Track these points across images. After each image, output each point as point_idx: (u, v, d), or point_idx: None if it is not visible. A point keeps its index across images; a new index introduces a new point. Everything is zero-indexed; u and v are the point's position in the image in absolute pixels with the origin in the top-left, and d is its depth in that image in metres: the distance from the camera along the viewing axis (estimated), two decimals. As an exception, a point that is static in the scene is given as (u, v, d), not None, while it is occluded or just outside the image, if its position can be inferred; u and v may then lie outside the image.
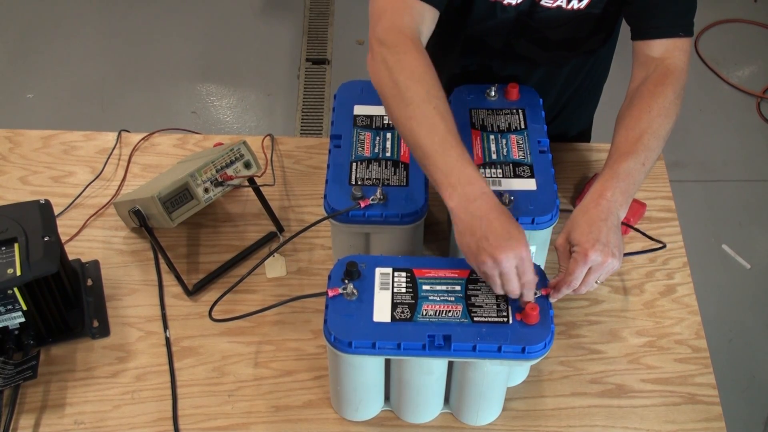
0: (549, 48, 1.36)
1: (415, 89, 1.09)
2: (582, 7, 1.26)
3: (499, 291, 1.05)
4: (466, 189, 1.04)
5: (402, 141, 1.28)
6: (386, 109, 1.13)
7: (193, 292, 1.30)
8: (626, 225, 1.36)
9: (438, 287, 1.06)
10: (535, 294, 1.05)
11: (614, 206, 1.10)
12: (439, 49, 1.44)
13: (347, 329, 1.02)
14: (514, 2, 1.26)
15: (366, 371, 1.08)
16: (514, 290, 1.03)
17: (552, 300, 1.08)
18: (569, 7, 1.26)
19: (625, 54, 1.39)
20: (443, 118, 1.08)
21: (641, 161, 1.14)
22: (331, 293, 1.05)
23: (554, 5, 1.26)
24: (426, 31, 1.19)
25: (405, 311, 1.04)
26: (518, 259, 1.01)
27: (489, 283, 1.05)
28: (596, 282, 1.10)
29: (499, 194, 1.17)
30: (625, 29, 1.32)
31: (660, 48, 1.23)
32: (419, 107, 1.08)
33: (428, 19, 1.19)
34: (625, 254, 1.20)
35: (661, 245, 1.31)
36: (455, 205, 1.05)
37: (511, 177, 1.21)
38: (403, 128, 1.10)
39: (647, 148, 1.15)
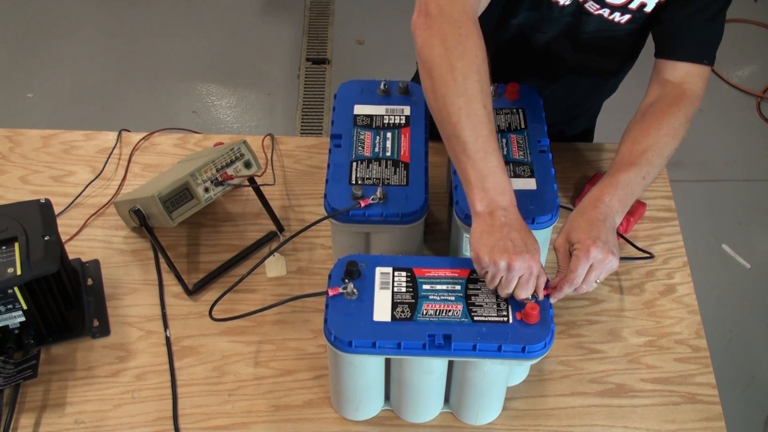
0: (581, 50, 1.35)
1: (471, 82, 1.05)
2: (623, 22, 1.27)
3: (492, 287, 1.06)
4: (498, 197, 1.06)
5: (402, 140, 1.28)
6: (431, 87, 1.07)
7: (193, 291, 1.30)
8: (619, 235, 1.36)
9: (438, 287, 1.07)
10: (533, 298, 1.06)
11: (611, 211, 1.13)
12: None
13: (347, 329, 1.02)
14: (561, 2, 1.25)
15: (366, 371, 1.08)
16: (507, 294, 1.05)
17: (553, 300, 1.09)
18: (611, 18, 1.26)
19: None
20: (490, 119, 1.06)
21: (642, 174, 1.17)
22: (331, 293, 1.05)
23: (596, 12, 1.26)
24: (480, 11, 1.15)
25: (405, 311, 1.04)
26: (528, 271, 1.03)
27: (486, 280, 1.06)
28: (596, 281, 1.10)
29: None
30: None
31: (682, 71, 1.25)
32: (471, 102, 1.05)
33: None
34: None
35: (648, 256, 1.33)
36: (483, 209, 1.06)
37: (511, 177, 1.21)
38: (448, 116, 1.06)
39: (650, 163, 1.18)
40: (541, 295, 1.06)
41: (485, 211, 1.06)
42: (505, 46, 1.37)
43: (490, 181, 1.06)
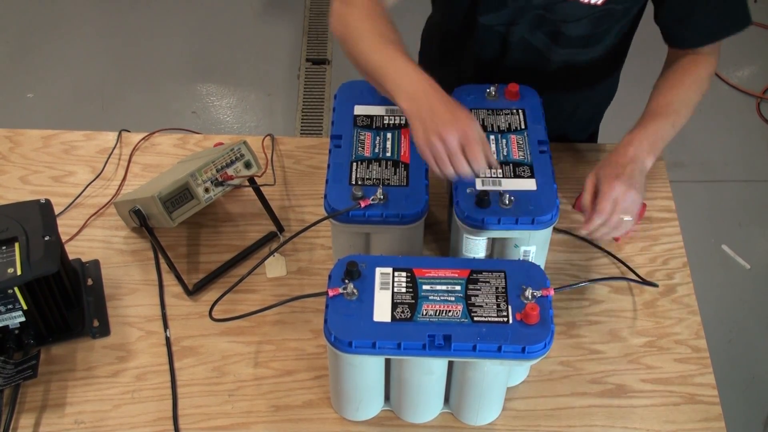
0: (564, 44, 1.36)
1: (362, 27, 1.18)
2: (599, 3, 1.27)
3: (450, 171, 1.08)
4: (414, 86, 1.10)
5: (402, 141, 1.28)
6: (348, 58, 1.19)
7: (193, 291, 1.30)
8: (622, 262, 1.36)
9: (438, 287, 1.07)
10: (490, 169, 1.12)
11: (640, 154, 1.20)
12: (453, 40, 1.45)
13: (347, 329, 1.02)
14: None
15: (366, 371, 1.08)
16: (463, 167, 1.07)
17: (583, 232, 1.16)
18: (586, 1, 1.27)
19: (636, 63, 1.40)
20: (390, 42, 1.15)
21: (671, 122, 1.25)
22: (331, 293, 1.05)
23: None
24: (390, 1, 1.24)
25: (405, 311, 1.04)
26: (464, 137, 1.06)
27: (443, 170, 1.08)
28: (625, 217, 1.15)
29: (499, 194, 1.18)
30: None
31: (695, 51, 1.33)
32: (365, 38, 1.16)
33: None
34: (610, 279, 1.32)
35: (652, 284, 1.32)
36: (407, 105, 1.10)
37: (511, 177, 1.22)
38: (360, 64, 1.17)
39: (677, 112, 1.26)
40: (494, 162, 1.10)
41: (410, 105, 1.09)
42: (482, 49, 1.39)
43: (402, 79, 1.11)
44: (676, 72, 1.31)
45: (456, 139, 1.06)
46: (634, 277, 1.32)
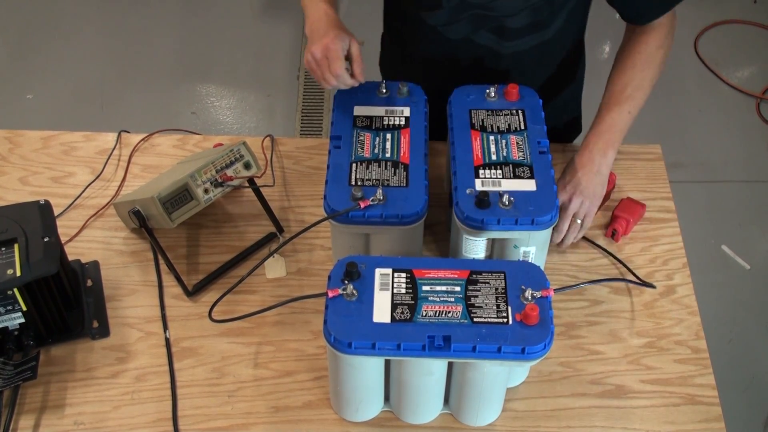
0: (509, 37, 1.36)
1: None
2: None
3: (329, 85, 1.25)
4: (314, 17, 1.28)
5: (401, 142, 1.28)
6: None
7: (192, 292, 1.30)
8: (620, 262, 1.36)
9: (438, 288, 1.06)
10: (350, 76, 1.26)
11: (596, 156, 1.29)
12: (401, 39, 1.46)
13: (347, 330, 1.02)
14: None
15: (366, 372, 1.08)
16: (324, 77, 1.24)
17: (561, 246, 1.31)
18: None
19: (606, 39, 1.40)
20: None
21: (627, 110, 1.30)
22: (330, 294, 1.05)
23: None
24: None
25: (405, 312, 1.04)
26: (324, 49, 1.22)
27: (317, 81, 1.25)
28: (578, 221, 1.28)
29: (499, 195, 1.18)
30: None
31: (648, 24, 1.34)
32: None
33: None
34: (609, 280, 1.33)
35: (650, 285, 1.32)
36: (307, 31, 1.28)
37: (511, 178, 1.21)
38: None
39: (631, 98, 1.31)
40: (358, 74, 1.25)
41: (308, 31, 1.27)
42: (427, 48, 1.42)
43: (311, 19, 1.29)
44: (627, 53, 1.34)
45: (319, 52, 1.23)
46: (632, 278, 1.32)
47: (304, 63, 1.26)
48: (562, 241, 1.32)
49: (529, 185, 1.20)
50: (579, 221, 1.29)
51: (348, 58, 1.26)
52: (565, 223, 1.29)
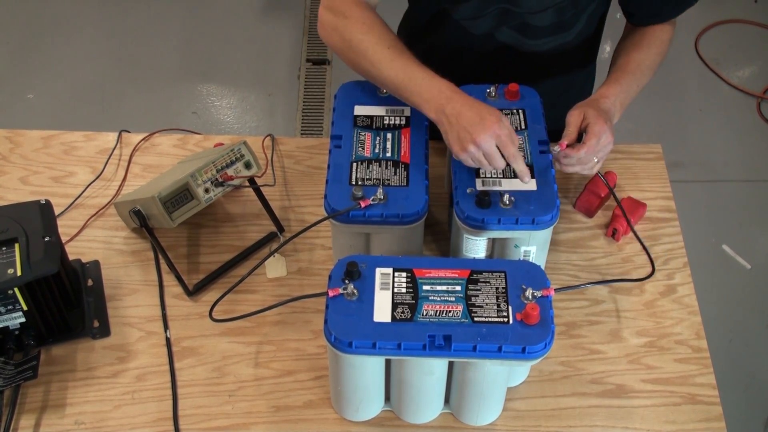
0: (532, 35, 1.37)
1: (367, 40, 1.23)
2: None
3: (490, 169, 1.18)
4: (439, 97, 1.17)
5: (402, 141, 1.28)
6: (351, 68, 1.28)
7: (193, 292, 1.30)
8: (632, 230, 1.36)
9: (438, 287, 1.06)
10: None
11: (614, 109, 1.27)
12: (420, 34, 1.47)
13: (347, 329, 1.02)
14: None
15: (366, 371, 1.08)
16: (500, 164, 1.16)
17: (563, 155, 1.21)
18: None
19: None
20: (400, 53, 1.22)
21: (637, 82, 1.31)
22: (331, 293, 1.05)
23: None
24: (374, 2, 1.31)
25: (405, 311, 1.04)
26: (495, 137, 1.14)
27: (481, 167, 1.17)
28: (596, 159, 1.23)
29: (500, 194, 1.18)
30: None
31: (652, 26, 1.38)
32: (375, 53, 1.22)
33: None
34: (608, 282, 1.32)
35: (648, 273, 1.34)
36: (435, 115, 1.17)
37: (511, 177, 1.21)
38: (371, 76, 1.25)
39: (642, 73, 1.32)
40: (510, 156, 1.15)
41: (439, 116, 1.17)
42: (448, 43, 1.42)
43: (426, 92, 1.18)
44: (644, 32, 1.36)
45: (491, 143, 1.13)
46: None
47: (456, 153, 1.16)
48: (559, 163, 1.24)
49: (529, 185, 1.20)
50: (596, 159, 1.23)
51: None
52: (589, 156, 1.21)
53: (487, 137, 1.13)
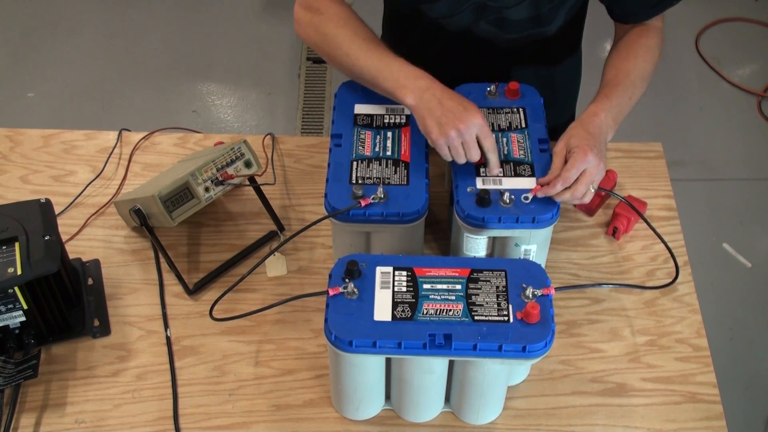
0: (509, 30, 1.37)
1: (343, 33, 1.26)
2: None
3: (463, 160, 1.18)
4: (417, 83, 1.19)
5: (402, 140, 1.28)
6: (328, 61, 1.30)
7: (193, 291, 1.30)
8: (641, 217, 1.36)
9: (439, 286, 1.06)
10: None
11: (605, 126, 1.23)
12: (398, 35, 1.47)
13: (348, 328, 1.02)
14: None
15: (367, 370, 1.08)
16: (476, 156, 1.17)
17: (541, 195, 1.17)
18: None
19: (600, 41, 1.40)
20: (376, 44, 1.24)
21: (628, 95, 1.28)
22: (331, 292, 1.05)
23: None
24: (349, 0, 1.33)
25: (406, 310, 1.04)
26: (477, 126, 1.16)
27: (454, 156, 1.18)
28: (592, 187, 1.18)
29: (500, 193, 1.18)
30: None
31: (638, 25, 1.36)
32: (351, 44, 1.24)
33: None
34: (609, 285, 1.32)
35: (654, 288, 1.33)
36: (413, 101, 1.18)
37: (511, 176, 1.21)
38: (346, 68, 1.27)
39: (634, 84, 1.29)
40: (490, 147, 1.17)
41: (415, 99, 1.18)
42: (426, 42, 1.42)
43: (402, 77, 1.20)
44: (629, 43, 1.34)
45: (472, 132, 1.16)
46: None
47: (435, 138, 1.17)
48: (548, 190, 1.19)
49: (529, 183, 1.20)
50: (592, 189, 1.19)
51: None
52: (581, 187, 1.17)
53: (471, 125, 1.16)
